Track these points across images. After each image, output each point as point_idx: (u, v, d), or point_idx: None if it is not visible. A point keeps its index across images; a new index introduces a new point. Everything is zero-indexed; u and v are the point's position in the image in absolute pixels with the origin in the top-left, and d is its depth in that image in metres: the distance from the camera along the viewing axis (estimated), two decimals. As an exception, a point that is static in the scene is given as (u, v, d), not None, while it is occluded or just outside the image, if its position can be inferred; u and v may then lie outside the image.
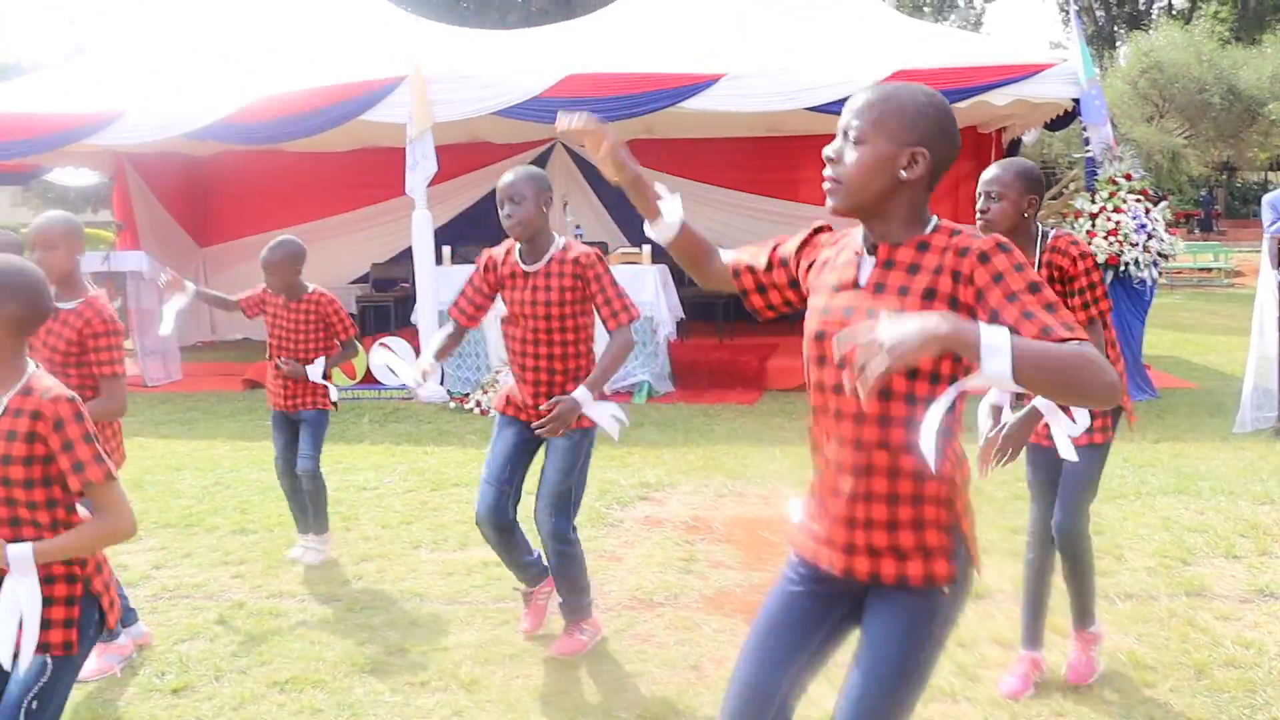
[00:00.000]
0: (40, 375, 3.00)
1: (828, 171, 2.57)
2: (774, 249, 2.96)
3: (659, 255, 12.39)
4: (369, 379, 11.95)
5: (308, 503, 6.36)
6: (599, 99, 11.31)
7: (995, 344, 2.18)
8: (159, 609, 5.59)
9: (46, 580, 2.98)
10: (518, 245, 4.83)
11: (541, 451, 4.95)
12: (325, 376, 6.30)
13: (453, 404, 11.46)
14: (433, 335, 4.92)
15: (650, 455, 8.70)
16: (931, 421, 2.38)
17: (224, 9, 14.58)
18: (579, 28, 14.42)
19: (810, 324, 2.67)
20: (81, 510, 3.08)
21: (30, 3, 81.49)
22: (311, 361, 6.25)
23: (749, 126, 14.68)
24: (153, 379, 13.38)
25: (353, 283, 16.76)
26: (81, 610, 3.03)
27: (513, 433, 4.91)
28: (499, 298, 4.95)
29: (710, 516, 7.01)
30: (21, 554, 2.90)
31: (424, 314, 11.85)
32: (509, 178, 4.73)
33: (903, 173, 2.52)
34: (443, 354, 5.02)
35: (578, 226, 12.48)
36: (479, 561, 6.09)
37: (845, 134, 2.56)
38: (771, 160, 16.03)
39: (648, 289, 11.58)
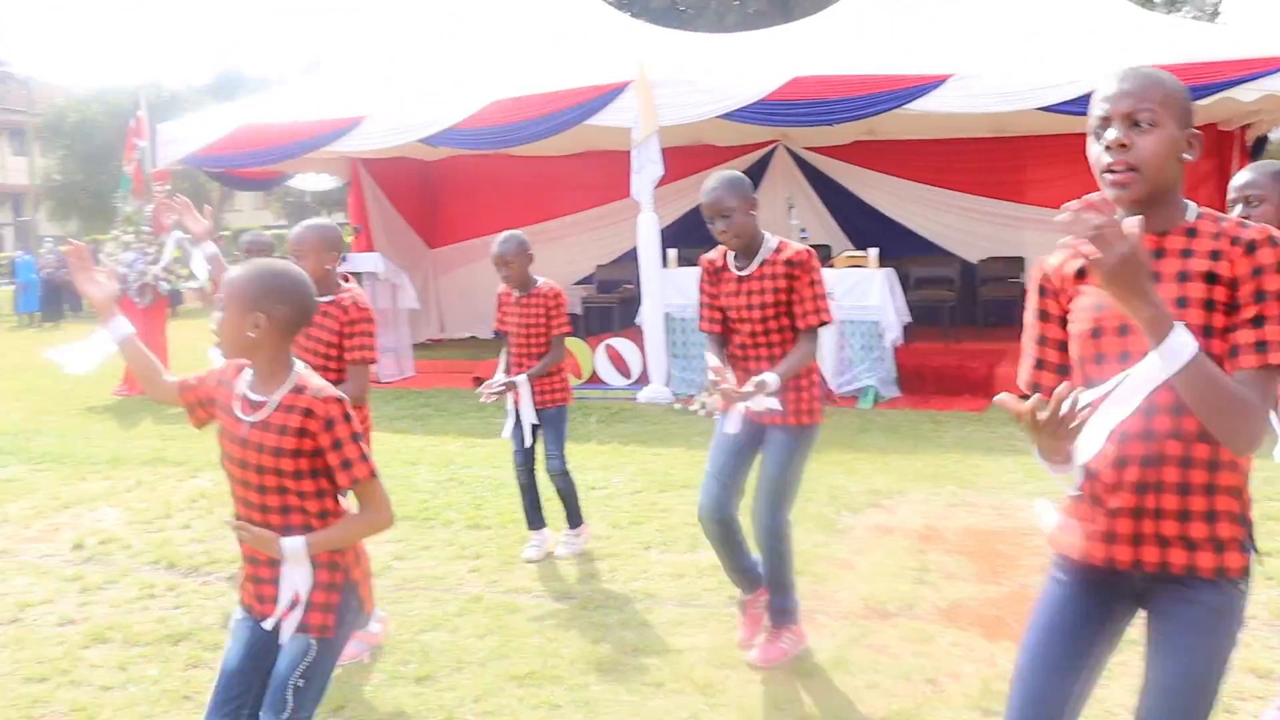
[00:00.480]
0: (309, 375, 3.14)
1: (1117, 159, 2.43)
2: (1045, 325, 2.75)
3: (886, 258, 12.24)
4: (595, 379, 12.15)
5: (561, 500, 6.55)
6: (824, 101, 11.26)
7: (1176, 349, 2.27)
8: (401, 599, 5.78)
9: (310, 567, 3.14)
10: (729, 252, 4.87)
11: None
12: (551, 373, 6.47)
13: (677, 405, 11.54)
14: (707, 353, 4.87)
15: (878, 462, 8.59)
16: (1105, 418, 2.40)
17: (454, 19, 14.99)
18: (801, 30, 14.32)
19: (1082, 324, 2.58)
20: (342, 501, 3.22)
21: (272, 22, 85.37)
22: (543, 354, 6.40)
23: (974, 127, 14.31)
24: (386, 375, 13.87)
25: (577, 284, 17.03)
26: (341, 597, 3.18)
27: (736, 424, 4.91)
28: None
29: (942, 526, 6.88)
30: (296, 547, 3.07)
31: (649, 316, 11.97)
32: (711, 195, 4.72)
33: (1185, 155, 2.47)
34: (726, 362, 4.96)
35: (803, 230, 12.39)
36: (710, 565, 6.09)
37: (1131, 119, 2.43)
38: (997, 161, 15.62)
39: (874, 292, 11.44)
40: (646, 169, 11.60)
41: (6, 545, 7.10)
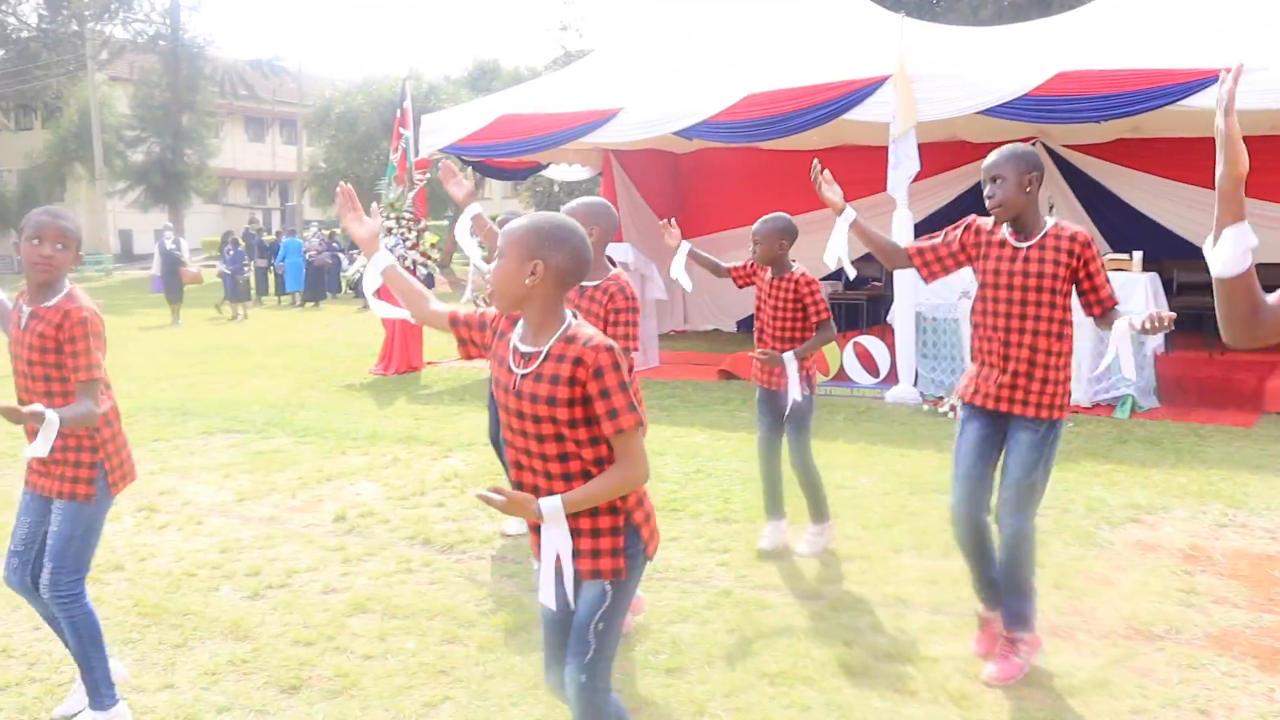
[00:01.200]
0: (581, 324, 3.17)
1: None
2: None
3: (1148, 262, 11.74)
4: (841, 376, 12.03)
5: (804, 493, 6.53)
6: (1091, 97, 10.84)
7: None
8: (650, 588, 5.82)
9: (592, 514, 3.21)
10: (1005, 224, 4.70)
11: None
12: (802, 363, 6.36)
13: (926, 406, 11.32)
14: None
15: (1138, 475, 8.23)
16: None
17: (710, 11, 15.03)
18: (1064, 23, 13.83)
19: None
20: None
21: (524, 15, 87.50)
22: (791, 339, 6.37)
23: (1249, 124, 13.52)
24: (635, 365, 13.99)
25: (824, 279, 16.88)
26: (626, 539, 3.25)
27: (977, 426, 4.81)
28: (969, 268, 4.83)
29: (1209, 547, 6.55)
30: (553, 507, 3.11)
31: (901, 314, 11.77)
32: (992, 157, 4.62)
33: None
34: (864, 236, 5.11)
35: (1063, 230, 11.97)
36: (963, 573, 5.92)
37: None
38: (1272, 161, 14.77)
39: (1137, 297, 10.97)
40: (903, 165, 11.39)
41: (275, 513, 7.49)
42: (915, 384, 11.86)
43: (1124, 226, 15.35)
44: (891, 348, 12.03)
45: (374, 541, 6.80)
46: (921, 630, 5.27)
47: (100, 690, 4.32)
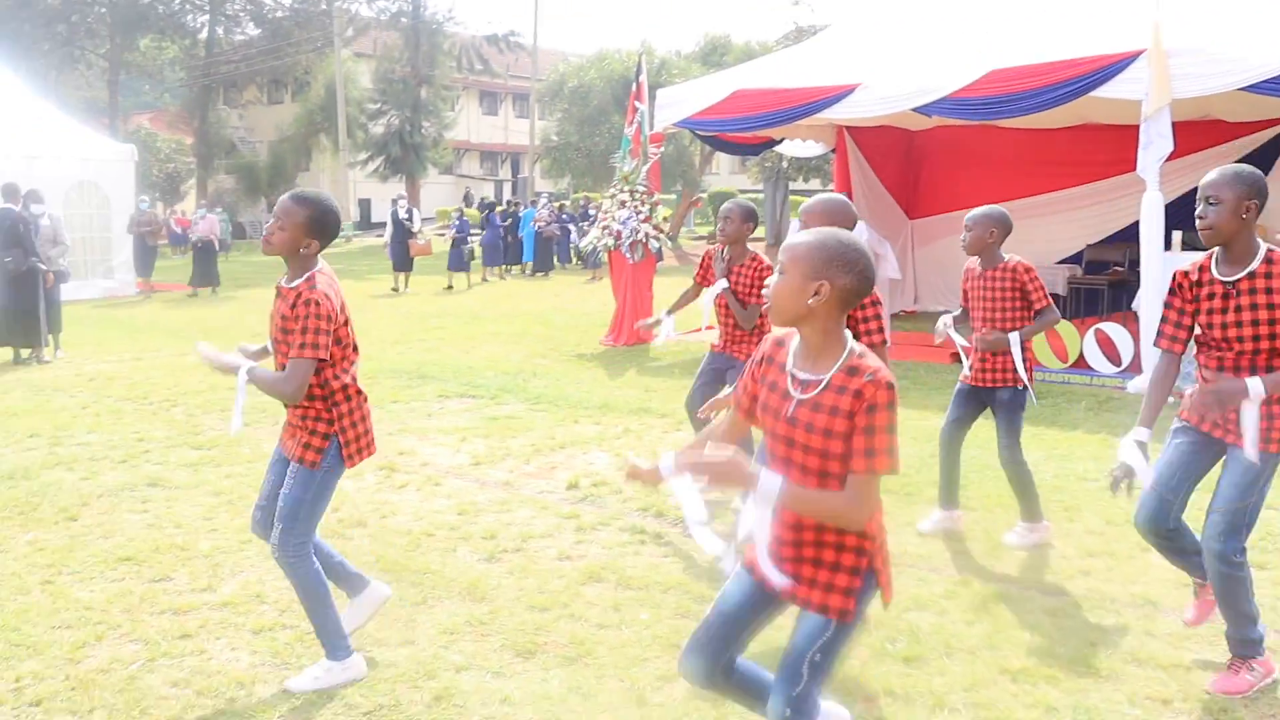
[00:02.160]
0: (865, 354, 3.02)
1: None
2: None
3: None
4: (1081, 363, 11.60)
5: (1014, 491, 6.31)
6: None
7: None
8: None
9: (838, 548, 3.10)
10: (1215, 253, 4.37)
11: (1220, 463, 4.50)
12: (1024, 349, 6.20)
13: (1171, 399, 10.81)
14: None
15: None
16: None
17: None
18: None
19: None
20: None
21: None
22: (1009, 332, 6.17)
23: None
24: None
25: (1060, 262, 16.36)
26: (864, 583, 3.13)
27: (1188, 440, 4.58)
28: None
29: None
30: (770, 487, 2.96)
31: (1146, 302, 11.25)
32: (1211, 175, 4.27)
33: None
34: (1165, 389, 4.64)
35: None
36: (1217, 576, 5.67)
37: None
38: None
39: None
40: (1155, 144, 10.82)
41: (510, 478, 7.63)
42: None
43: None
44: (1135, 336, 11.52)
45: (606, 511, 6.86)
46: (1172, 636, 4.99)
47: (333, 642, 4.49)
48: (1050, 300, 6.21)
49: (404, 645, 4.85)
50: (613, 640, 4.89)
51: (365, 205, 53.43)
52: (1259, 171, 4.31)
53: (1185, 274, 4.45)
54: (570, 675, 4.56)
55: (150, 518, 6.71)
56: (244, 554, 6.05)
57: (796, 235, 3.13)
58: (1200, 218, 4.27)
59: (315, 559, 4.46)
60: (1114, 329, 11.66)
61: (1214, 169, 4.33)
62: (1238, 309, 4.25)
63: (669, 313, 7.37)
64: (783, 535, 3.15)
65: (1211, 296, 4.33)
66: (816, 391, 3.00)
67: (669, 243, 14.75)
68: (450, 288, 23.90)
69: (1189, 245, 11.85)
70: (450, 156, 54.35)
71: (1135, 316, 11.62)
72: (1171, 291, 4.50)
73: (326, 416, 4.38)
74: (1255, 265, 4.23)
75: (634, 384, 11.56)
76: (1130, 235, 13.79)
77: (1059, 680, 4.53)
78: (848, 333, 3.08)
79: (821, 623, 3.11)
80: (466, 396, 10.56)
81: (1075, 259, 16.40)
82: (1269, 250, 4.26)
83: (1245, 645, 4.49)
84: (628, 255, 14.08)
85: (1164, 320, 4.55)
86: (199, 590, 5.53)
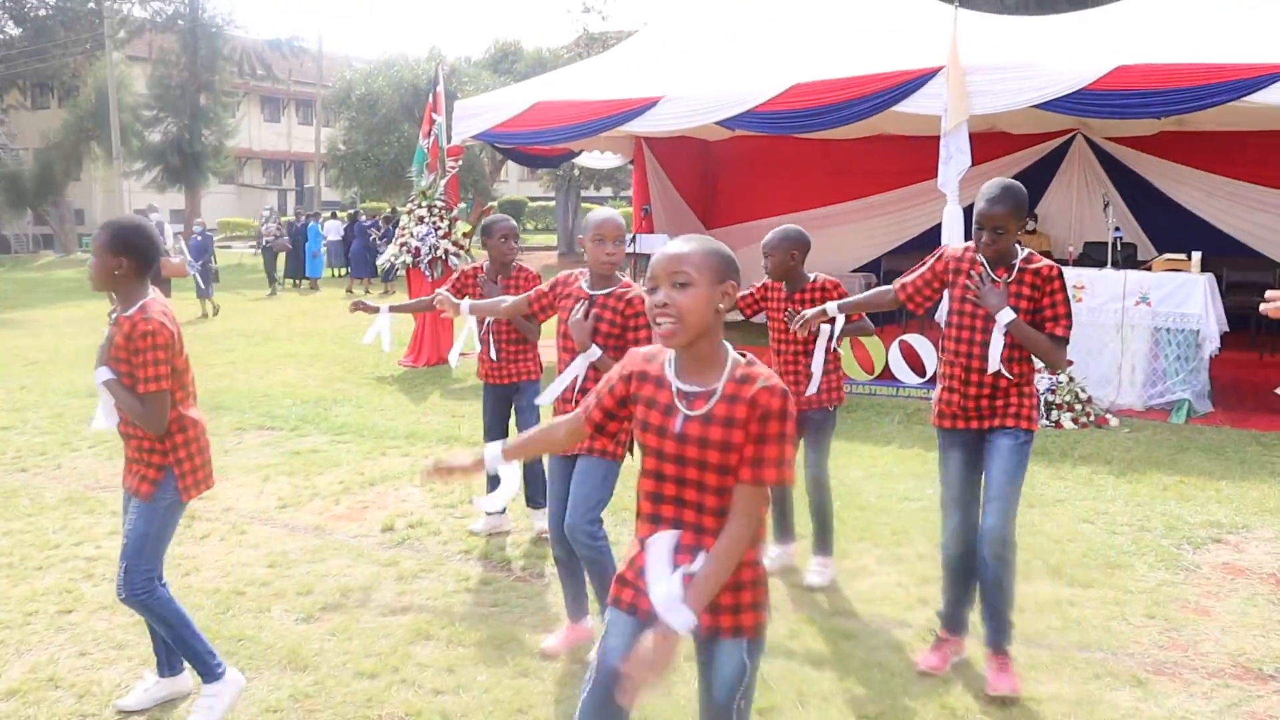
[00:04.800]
0: (752, 362, 2.90)
1: None
2: None
3: (1208, 263, 11.42)
4: (887, 374, 11.72)
5: (813, 517, 6.17)
6: (1149, 92, 10.46)
7: None
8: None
9: (739, 565, 2.91)
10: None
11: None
12: (834, 374, 6.11)
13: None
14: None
15: (1209, 488, 7.92)
16: None
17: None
18: (1118, 13, 13.45)
19: None
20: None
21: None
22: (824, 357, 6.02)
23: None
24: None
25: (856, 271, 16.62)
26: (765, 590, 2.99)
27: (958, 443, 4.83)
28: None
29: (1303, 572, 6.26)
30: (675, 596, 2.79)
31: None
32: (992, 206, 4.58)
33: None
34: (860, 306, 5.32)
35: (1117, 229, 11.61)
36: (1050, 600, 5.69)
37: None
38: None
39: (1195, 299, 10.64)
40: (955, 159, 11.01)
41: (320, 522, 7.20)
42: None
43: (1168, 223, 15.06)
44: (938, 346, 11.69)
45: (427, 556, 6.51)
46: (1021, 667, 4.95)
47: (207, 664, 4.38)
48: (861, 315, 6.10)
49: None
50: (451, 708, 4.55)
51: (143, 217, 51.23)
52: (1022, 188, 4.66)
53: (951, 255, 4.86)
54: (408, 751, 4.24)
55: (-80, 583, 6.08)
56: (30, 628, 5.44)
57: (679, 246, 2.93)
58: (989, 245, 4.62)
59: (164, 588, 4.32)
60: (918, 340, 11.80)
61: (984, 192, 4.63)
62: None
63: (390, 309, 6.70)
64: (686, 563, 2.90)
65: (969, 287, 4.72)
66: (709, 405, 2.85)
67: (469, 258, 14.34)
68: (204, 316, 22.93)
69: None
70: (232, 165, 52.48)
71: (938, 327, 11.80)
72: (931, 262, 4.92)
73: (161, 448, 4.27)
74: (1017, 263, 4.66)
75: (439, 409, 11.18)
76: (925, 243, 14.08)
77: (912, 727, 4.42)
78: (727, 343, 2.95)
79: (738, 661, 2.91)
80: (265, 429, 10.03)
81: (873, 267, 16.69)
82: (1029, 254, 4.70)
83: (1009, 634, 4.79)
84: (426, 273, 13.65)
85: (911, 272, 5.02)
86: (-21, 672, 4.95)
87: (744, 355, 2.92)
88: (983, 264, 4.69)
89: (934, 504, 7.37)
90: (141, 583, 4.22)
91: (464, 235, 14.07)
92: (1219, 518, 7.18)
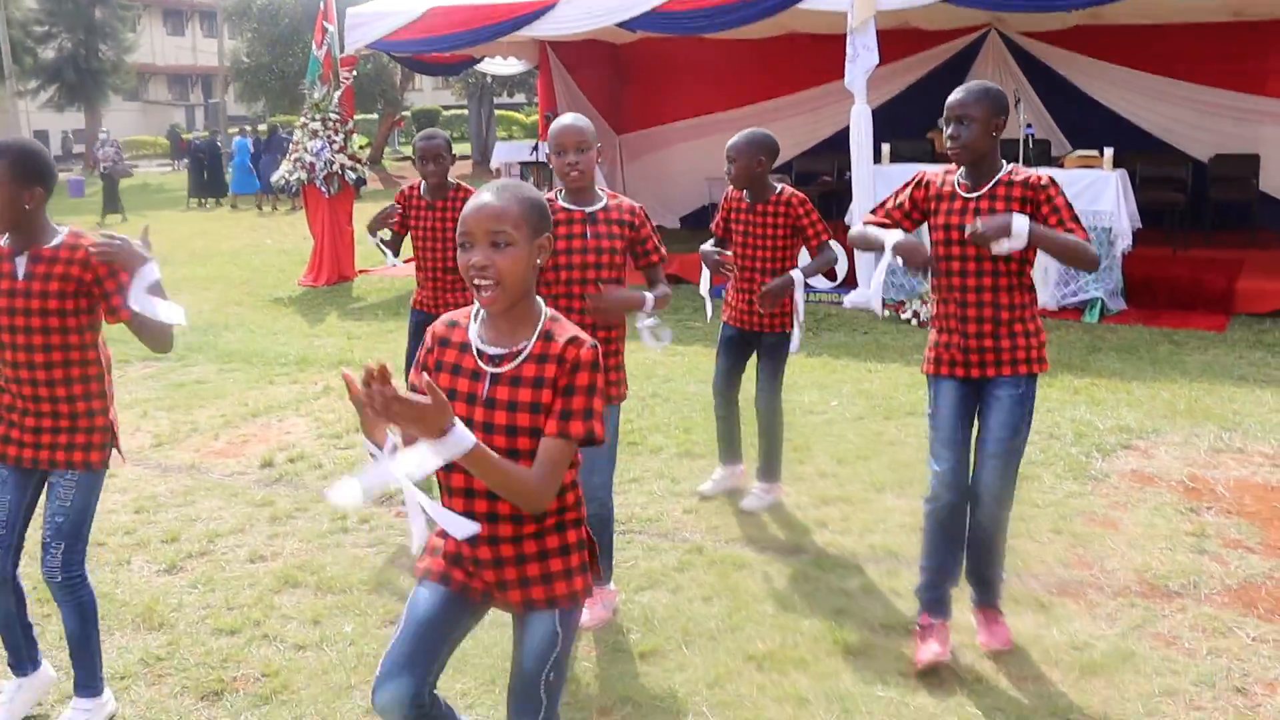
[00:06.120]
0: (556, 318, 2.73)
1: None
2: None
3: (1122, 158, 11.23)
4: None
5: (762, 441, 5.87)
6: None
7: None
8: (615, 545, 5.22)
9: (559, 529, 2.79)
10: (960, 169, 4.19)
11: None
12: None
13: (886, 312, 10.81)
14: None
15: (1120, 391, 7.77)
16: None
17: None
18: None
19: None
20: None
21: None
22: (782, 272, 5.60)
23: (1212, 10, 12.95)
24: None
25: (770, 174, 16.30)
26: (588, 555, 2.87)
27: (952, 387, 4.20)
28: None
29: (1211, 478, 6.08)
30: (465, 442, 2.46)
31: (858, 214, 11.17)
32: (960, 94, 4.05)
33: None
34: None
35: (1029, 125, 11.36)
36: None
37: None
38: (1235, 49, 14.17)
39: (1107, 196, 10.47)
40: (862, 57, 10.66)
41: (195, 459, 6.83)
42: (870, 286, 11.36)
43: (1083, 118, 14.79)
44: (849, 249, 11.40)
45: (305, 493, 6.16)
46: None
47: (95, 673, 3.86)
48: (829, 235, 5.74)
49: (63, 700, 3.98)
50: (313, 665, 4.23)
51: (42, 139, 49.64)
52: (1002, 90, 4.13)
53: (927, 178, 4.28)
54: (263, 718, 3.92)
55: None
56: None
57: (489, 198, 2.64)
58: (954, 138, 4.05)
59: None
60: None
61: (961, 87, 4.09)
62: (977, 212, 4.07)
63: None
64: (501, 533, 2.72)
65: (950, 212, 4.15)
66: (515, 364, 2.66)
67: (368, 170, 13.80)
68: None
69: (899, 157, 11.81)
70: (134, 81, 50.81)
71: (848, 229, 11.56)
72: (911, 185, 4.31)
73: (102, 405, 3.73)
74: (999, 178, 4.09)
75: (335, 330, 10.78)
76: (836, 145, 13.81)
77: (807, 664, 4.18)
78: (540, 301, 2.75)
79: (549, 630, 2.75)
80: (150, 360, 9.51)
81: (785, 169, 16.36)
82: (1011, 168, 4.12)
83: (998, 589, 4.39)
84: (323, 189, 13.12)
85: (884, 203, 4.40)
86: None
87: (551, 311, 2.74)
88: (956, 187, 4.16)
89: (835, 417, 7.23)
90: (80, 562, 3.75)
91: (360, 148, 13.55)
92: (1129, 422, 7.02)
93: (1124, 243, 10.61)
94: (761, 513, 5.76)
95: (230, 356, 9.55)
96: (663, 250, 4.53)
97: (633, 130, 17.45)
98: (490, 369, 2.67)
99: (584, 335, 2.68)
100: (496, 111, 37.63)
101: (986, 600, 4.38)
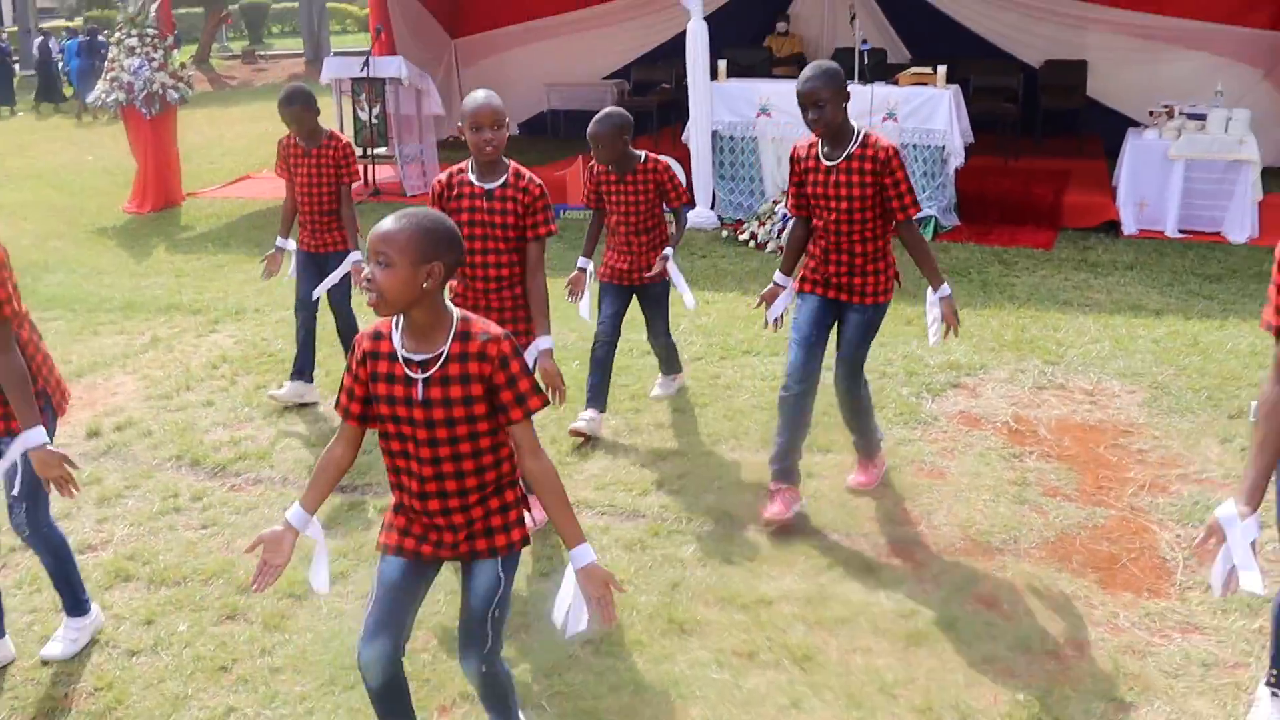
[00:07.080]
0: (466, 316, 3.04)
1: None
2: None
3: (956, 68, 11.35)
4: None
5: (659, 356, 6.63)
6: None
7: None
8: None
9: (498, 489, 3.17)
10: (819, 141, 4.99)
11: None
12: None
13: (725, 232, 10.86)
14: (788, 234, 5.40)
15: (951, 321, 7.94)
16: None
17: None
18: None
19: None
20: None
21: None
22: (654, 228, 6.17)
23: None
24: (411, 188, 13.20)
25: (607, 78, 16.19)
26: (519, 510, 3.26)
27: (814, 299, 5.14)
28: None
29: (1033, 418, 6.30)
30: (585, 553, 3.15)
31: (698, 134, 11.19)
32: (809, 83, 4.78)
33: None
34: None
35: (864, 41, 11.39)
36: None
37: None
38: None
39: (940, 114, 10.61)
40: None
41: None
42: (713, 207, 11.41)
43: (920, 25, 14.93)
44: (687, 167, 11.42)
45: (134, 467, 5.95)
46: (755, 561, 4.83)
47: (78, 597, 4.29)
48: (689, 197, 6.15)
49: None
50: (147, 674, 4.11)
51: None
52: (838, 66, 4.89)
53: (797, 154, 5.11)
54: (93, 745, 3.80)
55: None
56: None
57: (389, 224, 2.93)
58: (814, 122, 4.83)
59: None
60: (671, 164, 11.50)
61: (804, 75, 4.82)
62: (835, 184, 4.91)
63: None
64: (451, 505, 3.11)
65: (816, 183, 4.99)
66: (439, 366, 2.99)
67: (189, 91, 13.19)
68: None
69: (737, 72, 11.78)
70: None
71: (686, 148, 11.56)
72: (790, 169, 5.16)
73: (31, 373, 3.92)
74: (852, 148, 4.89)
75: (163, 266, 10.37)
76: (672, 51, 13.77)
77: (643, 645, 4.23)
78: (450, 303, 3.06)
79: (492, 575, 3.19)
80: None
81: (623, 74, 16.25)
82: (865, 134, 4.92)
83: (873, 446, 5.53)
84: (143, 110, 12.53)
85: (787, 192, 5.27)
86: None
87: (460, 312, 3.05)
88: (820, 159, 4.97)
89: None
90: (45, 515, 4.11)
91: (182, 65, 12.99)
92: (958, 357, 7.20)
93: (956, 160, 10.81)
94: (669, 398, 6.65)
95: (51, 303, 9.03)
96: (553, 226, 4.84)
97: (468, 34, 17.08)
98: (420, 375, 2.99)
99: (495, 329, 3.02)
100: (329, 4, 36.33)
101: (861, 450, 5.52)
